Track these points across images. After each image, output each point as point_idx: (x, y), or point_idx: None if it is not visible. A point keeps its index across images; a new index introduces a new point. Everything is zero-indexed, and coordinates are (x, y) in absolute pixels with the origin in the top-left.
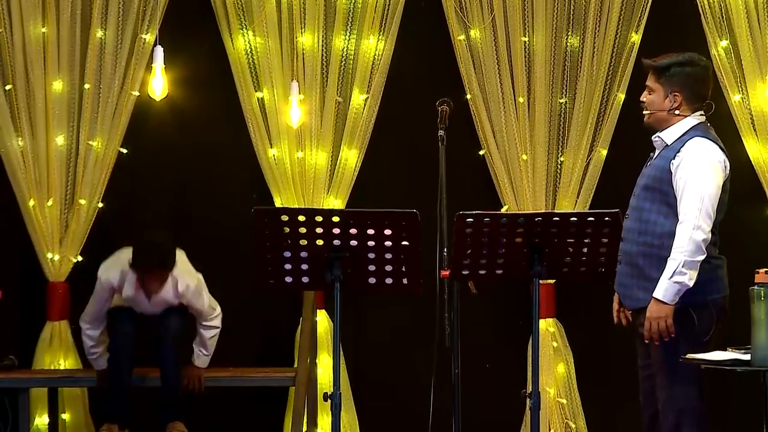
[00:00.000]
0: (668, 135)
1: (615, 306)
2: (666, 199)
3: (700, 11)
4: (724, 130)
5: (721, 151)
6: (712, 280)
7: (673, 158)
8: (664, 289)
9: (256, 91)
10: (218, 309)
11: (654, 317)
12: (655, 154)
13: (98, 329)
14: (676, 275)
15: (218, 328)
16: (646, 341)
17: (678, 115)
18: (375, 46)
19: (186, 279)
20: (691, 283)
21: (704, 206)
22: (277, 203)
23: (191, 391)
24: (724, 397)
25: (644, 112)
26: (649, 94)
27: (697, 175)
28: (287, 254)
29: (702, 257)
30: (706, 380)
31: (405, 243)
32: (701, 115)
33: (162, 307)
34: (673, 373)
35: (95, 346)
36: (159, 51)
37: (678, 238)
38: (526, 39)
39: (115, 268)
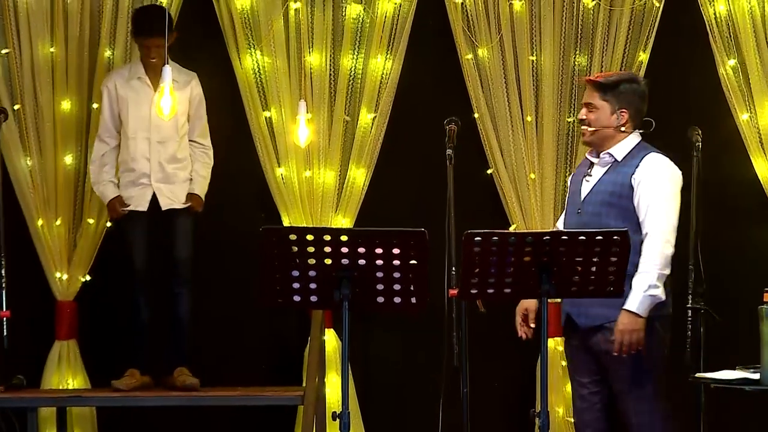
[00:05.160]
0: (617, 152)
1: (519, 319)
2: (626, 214)
3: (708, 30)
4: (732, 148)
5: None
6: (670, 294)
7: (633, 174)
8: (639, 302)
9: (264, 110)
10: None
11: (628, 330)
12: (603, 171)
13: (108, 143)
14: (651, 288)
15: (211, 163)
16: (615, 354)
17: (623, 132)
18: (383, 65)
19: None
20: (663, 297)
21: (672, 221)
22: (285, 222)
23: (192, 209)
24: (732, 416)
25: (588, 129)
26: (591, 112)
27: (665, 190)
28: (295, 273)
29: (669, 271)
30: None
31: (413, 262)
32: (642, 132)
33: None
34: (647, 389)
35: (105, 167)
36: (167, 70)
37: (649, 251)
38: (534, 58)
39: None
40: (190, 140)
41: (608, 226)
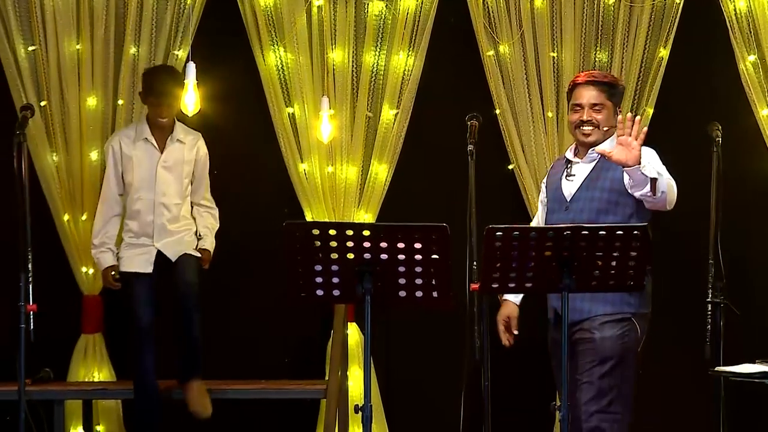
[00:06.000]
0: (603, 149)
1: (501, 327)
2: (617, 209)
3: (728, 26)
4: (752, 144)
5: None
6: (650, 294)
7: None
8: (651, 168)
9: (287, 107)
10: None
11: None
12: (589, 169)
13: (111, 206)
14: (658, 174)
15: (217, 225)
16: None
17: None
18: (405, 62)
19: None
20: (661, 178)
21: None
22: (308, 217)
23: (201, 261)
24: (752, 410)
25: (597, 129)
26: (599, 112)
27: (661, 164)
28: (318, 268)
29: (672, 199)
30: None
31: (435, 256)
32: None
33: (175, 169)
34: (604, 383)
35: (105, 239)
36: (191, 67)
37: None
38: (555, 54)
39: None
40: (195, 203)
41: (597, 222)
